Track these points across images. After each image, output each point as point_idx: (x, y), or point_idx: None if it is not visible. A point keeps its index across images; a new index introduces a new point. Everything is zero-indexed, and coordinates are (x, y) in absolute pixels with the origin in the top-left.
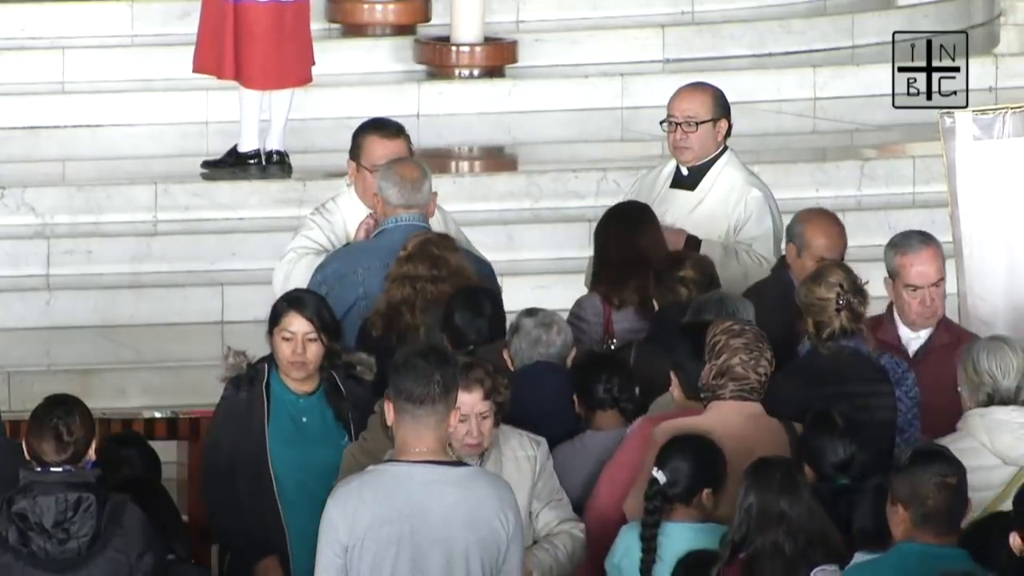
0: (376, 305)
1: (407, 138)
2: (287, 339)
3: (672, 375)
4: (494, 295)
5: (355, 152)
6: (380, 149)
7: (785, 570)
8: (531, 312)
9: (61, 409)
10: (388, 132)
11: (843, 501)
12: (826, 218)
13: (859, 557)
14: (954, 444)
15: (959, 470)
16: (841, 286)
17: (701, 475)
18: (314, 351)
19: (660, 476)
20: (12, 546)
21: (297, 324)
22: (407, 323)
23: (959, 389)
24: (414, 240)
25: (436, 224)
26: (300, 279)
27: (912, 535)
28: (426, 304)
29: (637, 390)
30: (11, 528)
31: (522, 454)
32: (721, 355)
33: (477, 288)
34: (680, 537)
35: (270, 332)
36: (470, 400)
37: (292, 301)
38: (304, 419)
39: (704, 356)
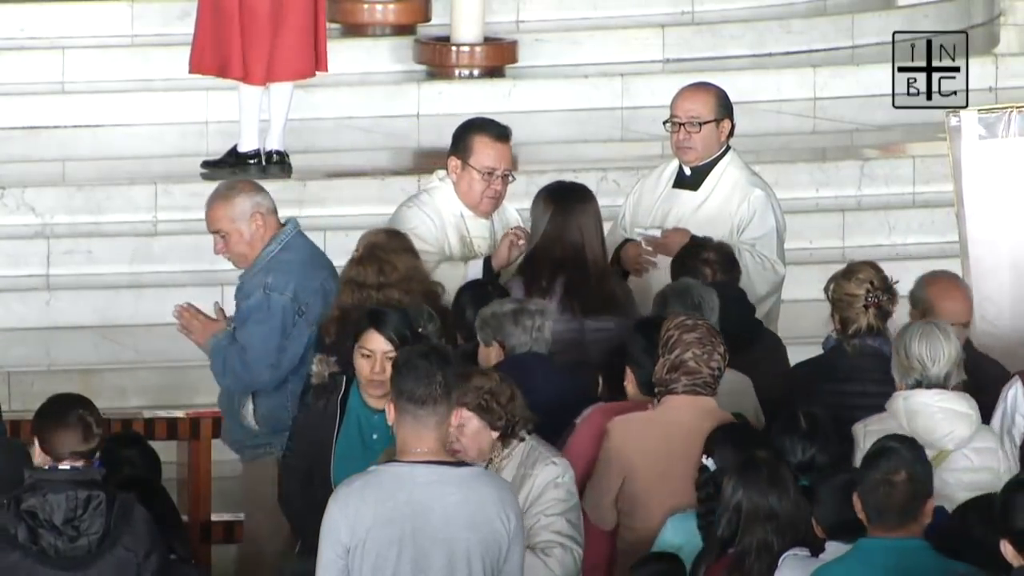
0: (332, 312)
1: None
2: (366, 356)
3: (628, 370)
4: (503, 289)
5: (462, 151)
6: (491, 151)
7: (771, 567)
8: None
9: (80, 403)
10: (499, 135)
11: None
12: (950, 281)
13: (832, 547)
14: (876, 426)
15: (910, 467)
16: (871, 283)
17: None
18: None
19: (709, 463)
20: (21, 544)
21: (376, 342)
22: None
23: (892, 372)
24: (364, 241)
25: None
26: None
27: (869, 529)
28: None
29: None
30: (20, 526)
31: (524, 472)
32: (674, 350)
33: (484, 283)
34: None
35: (352, 347)
36: None
37: (373, 317)
38: (375, 435)
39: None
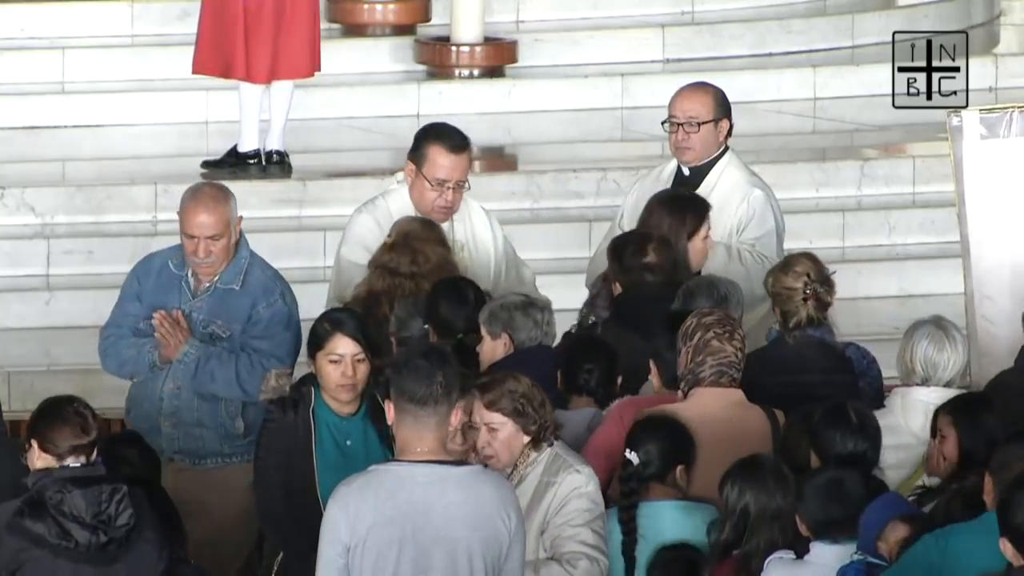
0: (357, 291)
1: (470, 149)
2: (335, 362)
3: (652, 364)
4: (475, 284)
5: (417, 158)
6: (445, 162)
7: None
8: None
9: (73, 400)
10: (455, 145)
11: None
12: None
13: (817, 547)
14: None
15: None
16: (808, 275)
17: (673, 452)
18: (364, 371)
19: (633, 457)
20: (51, 543)
21: (344, 346)
22: (385, 314)
23: (896, 368)
24: (398, 228)
25: (483, 227)
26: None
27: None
28: (402, 299)
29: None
30: (47, 522)
31: (548, 479)
32: (695, 335)
33: (458, 278)
34: (661, 516)
35: (312, 356)
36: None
37: (335, 323)
38: (348, 442)
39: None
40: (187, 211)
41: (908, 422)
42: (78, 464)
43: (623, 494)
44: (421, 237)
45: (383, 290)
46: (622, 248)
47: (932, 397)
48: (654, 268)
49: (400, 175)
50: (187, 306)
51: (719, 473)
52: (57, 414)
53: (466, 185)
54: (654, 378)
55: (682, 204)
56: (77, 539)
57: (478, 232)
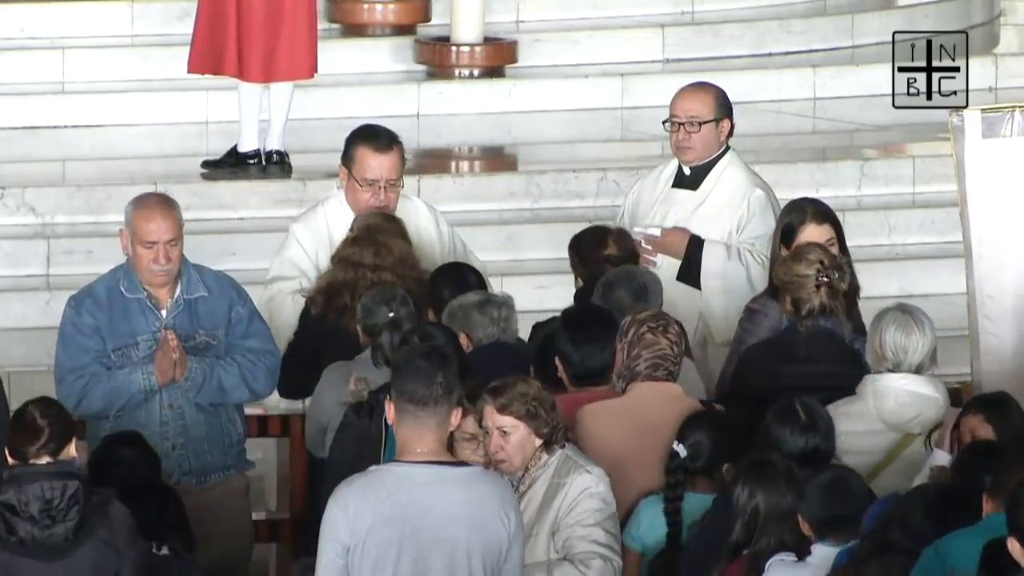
0: (319, 283)
1: (400, 147)
2: None
3: (558, 363)
4: (476, 269)
5: (347, 160)
6: (372, 162)
7: None
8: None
9: (34, 402)
10: (380, 145)
11: None
12: None
13: (819, 549)
14: (846, 407)
15: None
16: (821, 263)
17: (722, 449)
18: None
19: (681, 450)
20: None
21: None
22: (346, 304)
23: (866, 357)
24: (360, 222)
25: (427, 224)
26: (287, 320)
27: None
28: (366, 291)
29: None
30: None
31: (558, 481)
32: (629, 331)
33: (458, 264)
34: (704, 508)
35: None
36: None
37: (425, 336)
38: None
39: (583, 342)
40: (141, 219)
41: (879, 408)
42: (42, 463)
43: (669, 485)
44: (384, 230)
45: (345, 281)
46: (580, 242)
47: (902, 383)
48: (613, 260)
49: (340, 181)
50: (160, 324)
51: (657, 469)
52: (15, 419)
53: (399, 184)
54: (562, 375)
55: (795, 202)
56: (21, 534)
57: (422, 230)
